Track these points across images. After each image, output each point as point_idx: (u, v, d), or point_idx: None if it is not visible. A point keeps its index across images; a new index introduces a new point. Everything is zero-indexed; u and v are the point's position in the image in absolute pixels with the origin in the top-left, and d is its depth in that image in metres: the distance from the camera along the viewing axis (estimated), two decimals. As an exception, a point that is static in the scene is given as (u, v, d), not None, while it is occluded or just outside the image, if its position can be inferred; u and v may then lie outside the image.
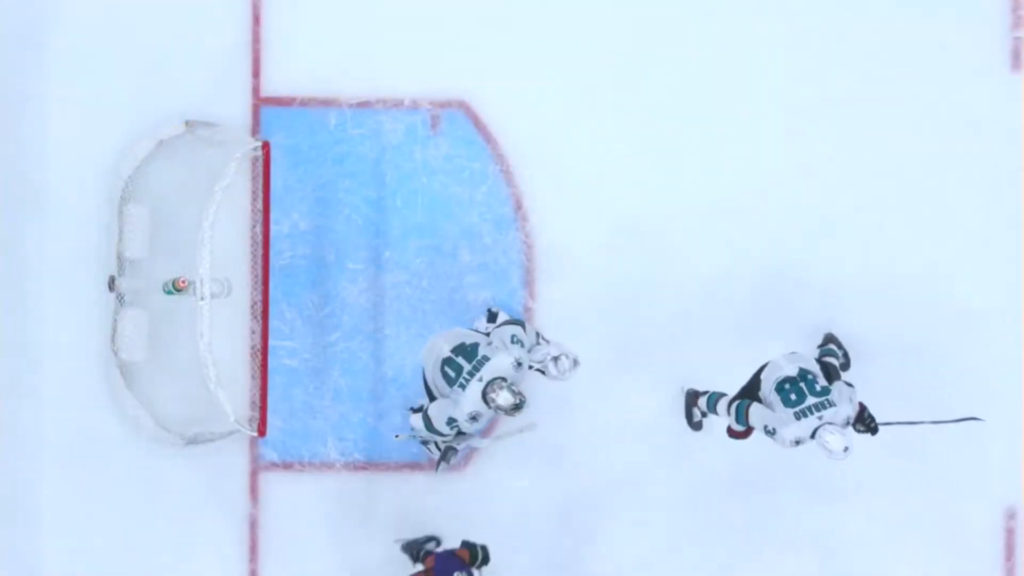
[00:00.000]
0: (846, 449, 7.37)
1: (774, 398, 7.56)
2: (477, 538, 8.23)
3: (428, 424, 7.61)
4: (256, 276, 8.15)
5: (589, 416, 8.34)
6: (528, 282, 8.41)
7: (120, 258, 8.16)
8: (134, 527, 8.29)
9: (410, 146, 8.40)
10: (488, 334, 7.64)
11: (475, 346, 7.48)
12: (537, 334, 7.78)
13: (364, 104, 8.39)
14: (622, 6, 8.40)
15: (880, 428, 7.67)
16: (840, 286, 8.37)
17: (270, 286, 8.14)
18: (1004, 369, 8.39)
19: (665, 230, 8.38)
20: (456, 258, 8.38)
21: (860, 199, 8.40)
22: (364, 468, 8.39)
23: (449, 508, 8.36)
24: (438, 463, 8.13)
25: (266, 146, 8.06)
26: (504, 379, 7.35)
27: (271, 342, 8.16)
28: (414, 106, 8.40)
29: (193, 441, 8.22)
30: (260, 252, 8.12)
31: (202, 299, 7.83)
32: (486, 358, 7.43)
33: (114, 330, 8.16)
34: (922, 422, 7.91)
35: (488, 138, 8.40)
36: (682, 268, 8.38)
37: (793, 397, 7.50)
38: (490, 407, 7.37)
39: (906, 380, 8.36)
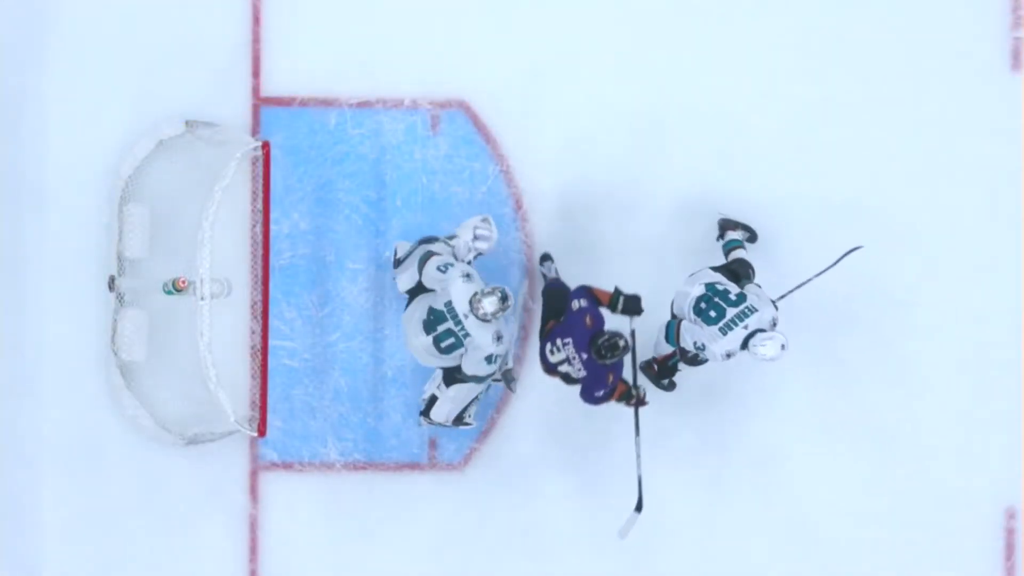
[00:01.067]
0: (783, 347, 7.36)
1: (697, 321, 7.52)
2: (475, 539, 8.27)
3: (477, 378, 7.73)
4: (256, 276, 8.15)
5: (589, 416, 8.33)
6: (528, 282, 8.41)
7: (120, 258, 8.16)
8: (134, 527, 8.29)
9: (410, 146, 8.40)
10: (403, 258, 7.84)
11: (433, 310, 7.60)
12: (444, 241, 7.88)
13: (364, 104, 8.39)
14: (622, 6, 8.40)
15: (778, 303, 7.64)
16: (838, 287, 8.37)
17: (270, 286, 8.14)
18: (1004, 369, 8.39)
19: (666, 230, 8.38)
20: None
21: (859, 199, 8.40)
22: (364, 468, 8.39)
23: (449, 508, 8.36)
24: (511, 387, 8.16)
25: (266, 146, 8.06)
26: (476, 293, 7.49)
27: (271, 342, 8.16)
28: (414, 106, 8.40)
29: (193, 441, 8.21)
30: (260, 252, 8.12)
31: (202, 299, 7.83)
32: (449, 303, 7.56)
33: (114, 330, 8.16)
34: (810, 279, 7.95)
35: (488, 138, 8.39)
36: (682, 266, 8.38)
37: (713, 314, 7.45)
38: (492, 320, 7.49)
39: (906, 378, 8.38)
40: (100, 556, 8.30)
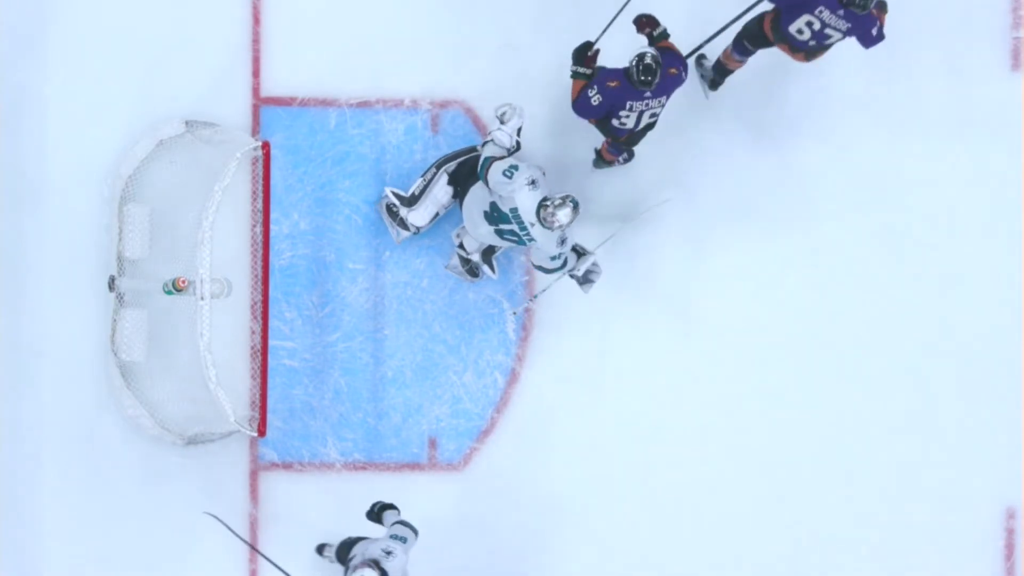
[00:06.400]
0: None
1: None
2: (474, 541, 8.27)
3: (542, 269, 7.73)
4: (256, 276, 8.16)
5: (589, 416, 8.35)
6: (527, 282, 8.41)
7: (120, 258, 8.16)
8: (134, 527, 8.29)
9: (410, 146, 8.40)
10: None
11: (497, 209, 7.52)
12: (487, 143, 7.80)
13: (364, 104, 8.39)
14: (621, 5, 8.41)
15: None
16: (837, 288, 8.38)
17: (270, 286, 8.14)
18: (1004, 369, 8.39)
19: (667, 229, 8.39)
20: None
21: (857, 200, 8.41)
22: (364, 468, 8.40)
23: (448, 508, 8.37)
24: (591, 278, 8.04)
25: (266, 146, 8.06)
26: (547, 203, 7.31)
27: (271, 342, 8.17)
28: (414, 106, 8.40)
29: (193, 441, 8.22)
30: (260, 252, 8.12)
31: (202, 299, 7.83)
32: (515, 210, 7.46)
33: (114, 330, 8.16)
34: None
35: (488, 138, 8.39)
36: (682, 265, 8.40)
37: None
38: (556, 227, 7.35)
39: (905, 377, 8.39)
40: (100, 556, 8.30)
